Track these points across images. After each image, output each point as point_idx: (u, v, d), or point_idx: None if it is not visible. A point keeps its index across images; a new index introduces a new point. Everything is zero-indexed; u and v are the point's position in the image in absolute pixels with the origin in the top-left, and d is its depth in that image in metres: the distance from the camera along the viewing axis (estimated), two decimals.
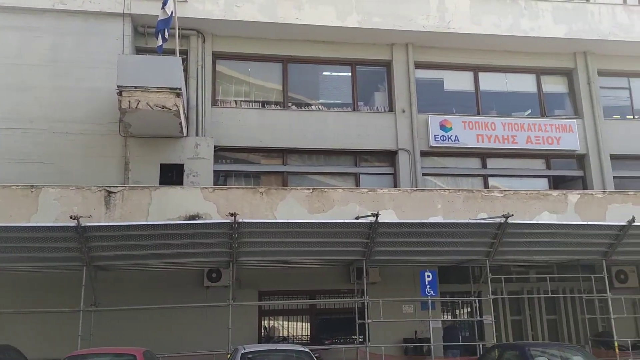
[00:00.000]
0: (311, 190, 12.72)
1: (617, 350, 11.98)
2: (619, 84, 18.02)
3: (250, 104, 16.10)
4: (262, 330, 13.57)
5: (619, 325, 12.89)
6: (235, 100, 16.09)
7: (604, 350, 12.88)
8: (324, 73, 16.94)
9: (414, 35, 16.28)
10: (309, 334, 13.86)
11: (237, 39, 15.92)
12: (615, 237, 12.31)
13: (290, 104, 16.27)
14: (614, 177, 16.63)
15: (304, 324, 14.07)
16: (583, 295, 13.60)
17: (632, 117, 17.86)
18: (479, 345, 12.62)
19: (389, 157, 16.22)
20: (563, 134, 16.59)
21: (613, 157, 16.81)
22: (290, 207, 12.31)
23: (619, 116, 17.69)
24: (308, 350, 9.08)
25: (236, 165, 15.62)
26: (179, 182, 13.96)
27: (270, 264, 12.61)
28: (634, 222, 11.98)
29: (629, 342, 13.12)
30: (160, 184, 13.57)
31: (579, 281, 13.63)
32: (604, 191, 14.67)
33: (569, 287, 14.57)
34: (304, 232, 11.27)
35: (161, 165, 14.11)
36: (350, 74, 16.78)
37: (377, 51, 16.66)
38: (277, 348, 9.40)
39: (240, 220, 10.69)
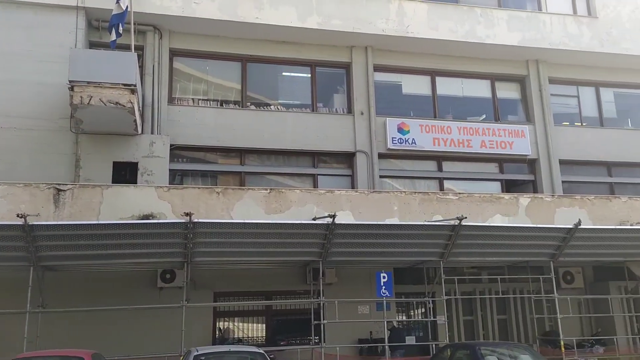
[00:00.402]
0: (269, 191, 12.67)
1: (562, 349, 12.39)
2: (568, 92, 18.65)
3: (208, 102, 15.89)
4: (217, 332, 13.42)
5: (565, 324, 13.37)
6: (193, 99, 15.85)
7: (551, 348, 13.31)
8: (284, 73, 16.90)
9: (374, 38, 16.44)
10: (264, 335, 13.79)
11: (195, 37, 15.69)
12: (562, 240, 12.74)
13: (249, 104, 16.16)
14: (563, 181, 17.22)
15: (259, 325, 14.01)
16: (532, 295, 14.02)
17: (580, 124, 18.53)
18: (432, 345, 12.83)
19: (347, 158, 16.32)
20: (515, 139, 17.06)
21: (562, 162, 17.38)
22: (247, 207, 12.22)
23: (568, 123, 18.31)
24: (262, 352, 9.04)
25: (193, 164, 15.37)
26: (133, 180, 13.64)
27: (226, 265, 12.51)
28: (580, 225, 12.43)
29: (574, 341, 13.62)
30: (113, 182, 13.22)
31: (529, 282, 14.04)
32: (552, 195, 15.13)
33: (518, 288, 15.00)
34: (261, 233, 11.24)
35: (114, 163, 13.73)
36: (309, 75, 16.80)
37: (337, 53, 16.75)
38: (231, 350, 9.30)
39: (196, 220, 10.56)
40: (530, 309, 14.81)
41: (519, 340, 14.79)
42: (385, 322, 12.22)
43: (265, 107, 16.27)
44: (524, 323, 15.19)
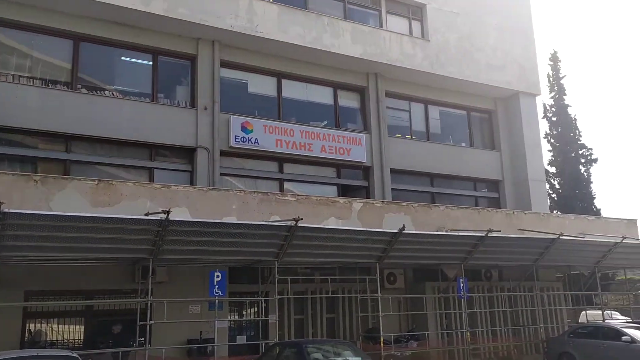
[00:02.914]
0: (96, 182, 11.72)
1: (382, 344, 13.23)
2: (402, 106, 20.14)
3: (32, 80, 14.29)
4: (27, 334, 12.03)
5: (386, 321, 14.32)
6: (14, 75, 14.13)
7: (372, 344, 14.14)
8: (123, 58, 15.84)
9: (221, 33, 16.14)
10: (82, 337, 12.67)
11: (21, 7, 14.07)
12: (388, 243, 13.55)
13: (80, 87, 14.86)
14: (393, 189, 18.50)
15: (77, 326, 12.84)
16: (358, 295, 14.78)
17: (410, 137, 20.07)
18: (261, 343, 12.86)
19: (188, 154, 15.79)
20: (353, 146, 17.92)
21: (393, 171, 18.65)
22: (71, 198, 11.16)
23: (400, 135, 19.71)
24: (76, 355, 8.27)
25: (8, 148, 13.68)
26: None
27: (41, 261, 11.22)
28: (404, 229, 13.32)
29: (392, 336, 14.66)
30: None
31: (356, 282, 14.76)
32: (382, 201, 16.15)
33: (347, 288, 15.70)
34: (85, 227, 10.24)
35: None
36: (151, 63, 15.97)
37: (183, 44, 16.15)
38: (39, 354, 8.34)
39: (6, 211, 9.30)
40: (356, 307, 15.61)
41: (345, 337, 15.46)
42: (216, 322, 11.95)
43: (99, 91, 15.10)
44: (350, 321, 15.95)
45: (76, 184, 11.48)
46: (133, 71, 15.98)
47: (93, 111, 14.49)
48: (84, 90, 14.85)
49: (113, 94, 15.27)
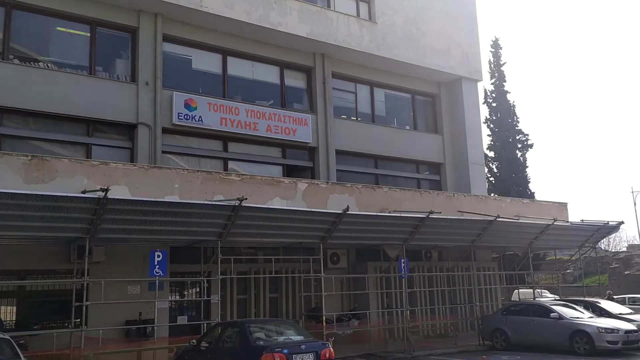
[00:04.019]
0: (29, 157, 11.18)
1: (324, 323, 13.40)
2: (348, 88, 20.16)
3: None
4: None
5: (329, 301, 14.52)
6: None
7: (314, 323, 14.30)
8: (58, 28, 15.04)
9: (164, 6, 15.57)
10: (14, 319, 12.15)
11: None
12: (332, 224, 13.65)
13: (11, 56, 14.05)
14: (338, 170, 18.57)
15: (9, 307, 12.29)
16: (302, 275, 14.85)
17: (356, 118, 20.16)
18: (203, 324, 12.72)
19: (128, 130, 15.27)
20: (299, 127, 17.84)
21: (338, 152, 18.71)
22: (1, 175, 10.61)
23: (345, 117, 19.76)
24: (8, 337, 7.93)
25: None
26: None
27: None
28: (348, 210, 13.45)
29: (334, 315, 14.88)
30: None
31: (300, 262, 14.84)
32: (327, 182, 16.24)
33: (291, 268, 15.72)
34: (17, 205, 9.77)
35: None
36: (89, 35, 15.26)
37: (123, 15, 15.49)
38: None
39: None
40: (300, 287, 15.70)
41: (288, 317, 15.54)
42: (157, 303, 11.73)
43: (32, 62, 14.32)
44: (294, 301, 16.05)
45: (7, 159, 10.93)
46: (70, 42, 15.21)
47: (26, 83, 13.76)
48: (16, 61, 14.07)
49: (48, 65, 14.52)
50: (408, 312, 15.35)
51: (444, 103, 22.17)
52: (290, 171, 17.93)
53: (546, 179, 76.35)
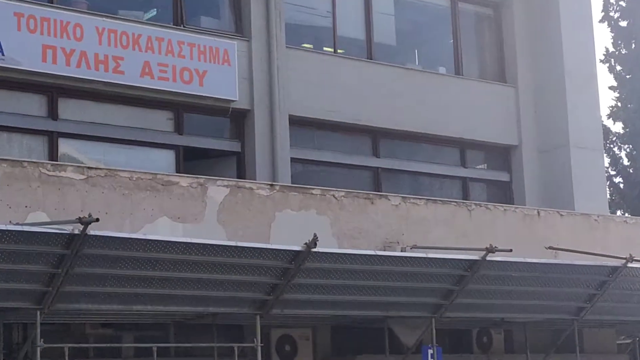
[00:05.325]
0: None
1: None
2: None
3: None
4: None
5: None
6: None
7: None
8: None
9: None
10: None
11: None
12: (281, 274, 8.47)
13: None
14: (293, 158, 11.35)
15: None
16: None
17: (333, 50, 12.21)
18: None
19: None
20: (211, 66, 11.47)
21: (294, 122, 11.61)
22: None
23: (312, 45, 12.13)
24: None
25: None
26: None
27: None
28: (315, 244, 7.86)
29: None
30: None
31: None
32: (271, 184, 10.91)
33: None
34: None
35: None
36: None
37: None
38: None
39: None
40: None
41: None
42: None
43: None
44: None
45: None
46: None
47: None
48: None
49: None
50: None
51: (517, 21, 13.36)
52: (194, 160, 10.93)
53: None
